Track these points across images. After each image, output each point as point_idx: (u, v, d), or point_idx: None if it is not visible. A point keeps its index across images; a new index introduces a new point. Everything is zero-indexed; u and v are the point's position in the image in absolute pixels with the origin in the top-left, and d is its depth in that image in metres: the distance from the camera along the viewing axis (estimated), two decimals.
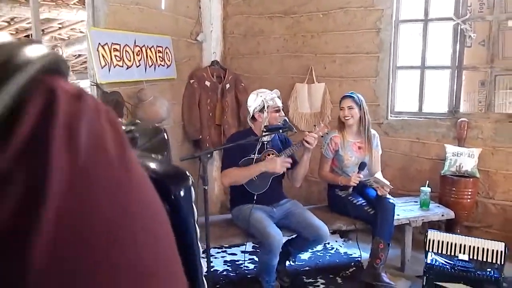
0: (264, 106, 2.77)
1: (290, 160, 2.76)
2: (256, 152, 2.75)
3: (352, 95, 3.10)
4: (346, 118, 3.08)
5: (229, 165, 2.73)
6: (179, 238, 0.41)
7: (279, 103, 2.84)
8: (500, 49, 3.40)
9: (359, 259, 3.31)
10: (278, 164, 2.69)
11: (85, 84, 3.13)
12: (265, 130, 2.70)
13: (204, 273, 0.45)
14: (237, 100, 4.16)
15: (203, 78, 4.00)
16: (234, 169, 2.71)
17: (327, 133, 2.95)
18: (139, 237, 0.27)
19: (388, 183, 2.97)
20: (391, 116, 3.80)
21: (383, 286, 2.82)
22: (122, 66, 3.08)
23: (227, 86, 4.11)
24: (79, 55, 6.13)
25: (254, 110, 2.84)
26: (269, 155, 2.79)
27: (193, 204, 0.45)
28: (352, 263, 3.37)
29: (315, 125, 3.05)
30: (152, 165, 0.42)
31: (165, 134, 0.79)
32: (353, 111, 3.06)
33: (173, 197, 0.40)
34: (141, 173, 0.29)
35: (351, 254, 3.52)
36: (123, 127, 0.59)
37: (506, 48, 3.39)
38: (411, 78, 3.83)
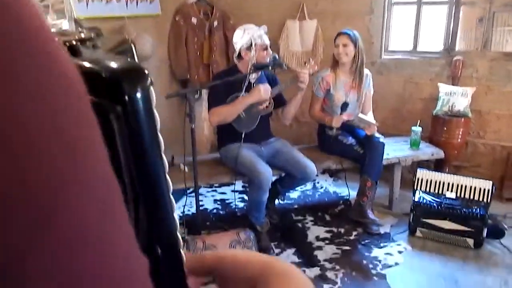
0: (251, 44, 2.64)
1: (270, 88, 2.68)
2: (244, 91, 2.66)
3: (348, 32, 2.96)
4: (340, 56, 2.96)
5: (216, 104, 2.66)
6: (135, 151, 0.35)
7: (267, 40, 2.70)
8: None
9: (348, 197, 3.33)
10: (261, 90, 2.61)
11: (66, 25, 2.97)
12: (253, 68, 2.59)
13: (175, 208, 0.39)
14: (226, 38, 3.99)
15: (189, 15, 3.81)
16: (221, 107, 2.64)
17: (317, 71, 2.84)
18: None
19: (373, 121, 2.93)
20: (385, 55, 3.68)
21: (369, 222, 2.86)
22: (101, 1, 2.90)
23: (215, 23, 3.93)
24: None
25: (240, 48, 2.71)
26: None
27: (154, 109, 0.37)
28: (341, 202, 3.40)
29: (305, 63, 2.94)
30: (105, 61, 0.34)
31: (132, 45, 0.70)
32: (348, 49, 2.94)
33: (127, 97, 0.33)
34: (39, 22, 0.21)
35: (340, 193, 3.55)
36: (83, 35, 0.51)
37: None
38: (406, 14, 3.67)
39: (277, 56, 2.61)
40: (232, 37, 3.91)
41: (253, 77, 2.70)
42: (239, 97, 2.64)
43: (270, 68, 2.58)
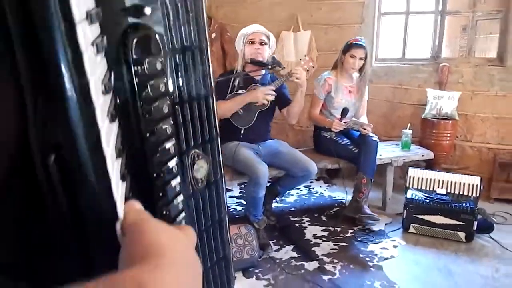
0: (242, 40, 2.81)
1: (272, 91, 2.75)
2: (244, 89, 2.79)
3: (364, 45, 3.05)
4: (354, 67, 3.07)
5: (216, 100, 2.77)
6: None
7: (258, 35, 2.81)
8: None
9: (343, 200, 3.44)
10: (259, 92, 2.71)
11: None
12: (249, 62, 2.73)
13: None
14: (223, 50, 4.16)
15: None
16: (219, 102, 2.76)
17: (313, 67, 2.96)
18: None
19: (367, 122, 3.07)
20: (375, 63, 3.86)
21: (365, 217, 2.95)
22: None
23: (213, 35, 4.09)
24: None
25: (240, 50, 2.86)
26: (254, 89, 2.82)
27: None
28: (336, 204, 3.51)
29: (300, 59, 3.08)
30: None
31: None
32: (361, 62, 3.06)
33: None
34: None
35: (335, 197, 3.66)
36: None
37: None
38: (395, 24, 3.88)
39: (275, 57, 2.75)
40: (229, 49, 4.11)
41: (255, 77, 2.82)
42: (239, 95, 2.77)
43: (269, 67, 2.71)
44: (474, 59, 3.53)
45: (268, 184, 3.13)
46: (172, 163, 0.48)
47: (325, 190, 3.85)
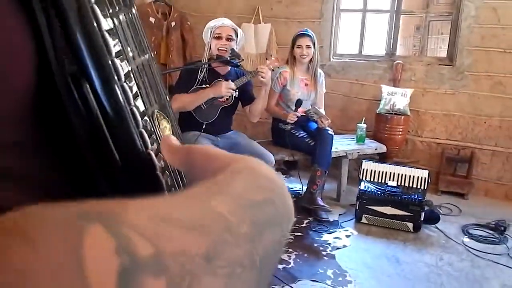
0: (209, 33, 2.80)
1: (234, 87, 2.78)
2: (208, 83, 2.78)
3: (310, 34, 3.16)
4: (303, 57, 3.15)
5: (179, 91, 2.75)
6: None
7: (225, 30, 2.79)
8: None
9: (300, 191, 3.51)
10: (222, 87, 2.71)
11: None
12: (215, 59, 2.73)
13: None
14: (183, 39, 4.11)
15: (147, 14, 3.89)
16: (182, 95, 2.73)
17: (278, 67, 3.01)
18: None
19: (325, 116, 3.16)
20: (333, 58, 3.95)
21: (319, 208, 3.04)
22: None
23: (173, 24, 4.03)
24: None
25: (207, 42, 2.84)
26: (218, 84, 2.81)
27: None
28: (293, 195, 3.58)
29: (267, 58, 3.11)
30: None
31: None
32: (310, 50, 3.15)
33: None
34: None
35: (292, 188, 3.72)
36: None
37: None
38: (353, 21, 3.98)
39: (234, 49, 2.75)
40: (189, 38, 4.07)
41: (219, 70, 2.81)
42: (201, 89, 2.76)
43: (229, 58, 2.71)
44: (426, 58, 3.69)
45: None
46: (146, 120, 0.44)
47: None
